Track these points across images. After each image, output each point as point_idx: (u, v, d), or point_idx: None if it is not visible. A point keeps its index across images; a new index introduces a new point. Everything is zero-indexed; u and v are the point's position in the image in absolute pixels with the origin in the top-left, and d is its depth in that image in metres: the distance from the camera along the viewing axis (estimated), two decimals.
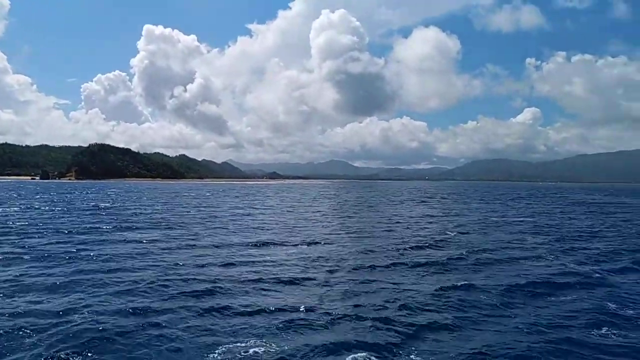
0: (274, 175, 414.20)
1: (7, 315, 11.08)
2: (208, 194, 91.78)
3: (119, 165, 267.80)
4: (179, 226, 30.89)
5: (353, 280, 15.22)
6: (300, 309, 11.82)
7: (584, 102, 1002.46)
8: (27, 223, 31.15)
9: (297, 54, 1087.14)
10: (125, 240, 23.80)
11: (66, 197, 71.32)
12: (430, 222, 36.09)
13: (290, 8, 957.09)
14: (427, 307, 12.18)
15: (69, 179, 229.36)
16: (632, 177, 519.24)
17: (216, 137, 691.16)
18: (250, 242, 23.47)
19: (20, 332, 10.01)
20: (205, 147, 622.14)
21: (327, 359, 9.02)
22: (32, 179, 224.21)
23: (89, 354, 9.01)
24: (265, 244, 23.09)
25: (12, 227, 28.47)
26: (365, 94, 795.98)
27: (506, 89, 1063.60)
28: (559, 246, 23.13)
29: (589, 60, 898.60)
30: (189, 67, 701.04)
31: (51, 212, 40.65)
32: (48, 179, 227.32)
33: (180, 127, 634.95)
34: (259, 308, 11.94)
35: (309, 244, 23.43)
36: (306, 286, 14.49)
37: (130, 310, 11.56)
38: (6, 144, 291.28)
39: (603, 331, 10.51)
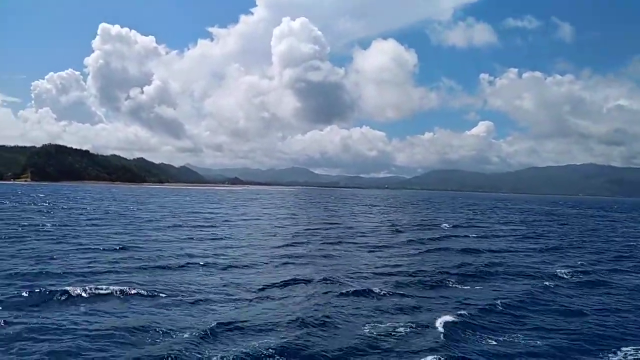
0: (235, 181, 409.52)
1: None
2: (189, 199, 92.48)
3: (76, 167, 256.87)
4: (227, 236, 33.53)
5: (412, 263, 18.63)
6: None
7: (534, 117, 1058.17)
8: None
9: (258, 60, 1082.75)
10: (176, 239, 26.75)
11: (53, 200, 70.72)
12: (424, 225, 41.33)
13: (252, 13, 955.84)
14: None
15: (25, 181, 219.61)
16: (579, 189, 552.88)
17: (173, 141, 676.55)
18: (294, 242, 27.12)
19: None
20: (161, 151, 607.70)
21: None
22: None
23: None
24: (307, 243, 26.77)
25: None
26: (325, 103, 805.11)
27: (460, 102, 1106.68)
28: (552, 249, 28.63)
29: (539, 77, 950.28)
30: (146, 68, 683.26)
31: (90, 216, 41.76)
32: (2, 179, 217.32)
33: (136, 129, 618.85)
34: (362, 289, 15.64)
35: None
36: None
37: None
38: None
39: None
